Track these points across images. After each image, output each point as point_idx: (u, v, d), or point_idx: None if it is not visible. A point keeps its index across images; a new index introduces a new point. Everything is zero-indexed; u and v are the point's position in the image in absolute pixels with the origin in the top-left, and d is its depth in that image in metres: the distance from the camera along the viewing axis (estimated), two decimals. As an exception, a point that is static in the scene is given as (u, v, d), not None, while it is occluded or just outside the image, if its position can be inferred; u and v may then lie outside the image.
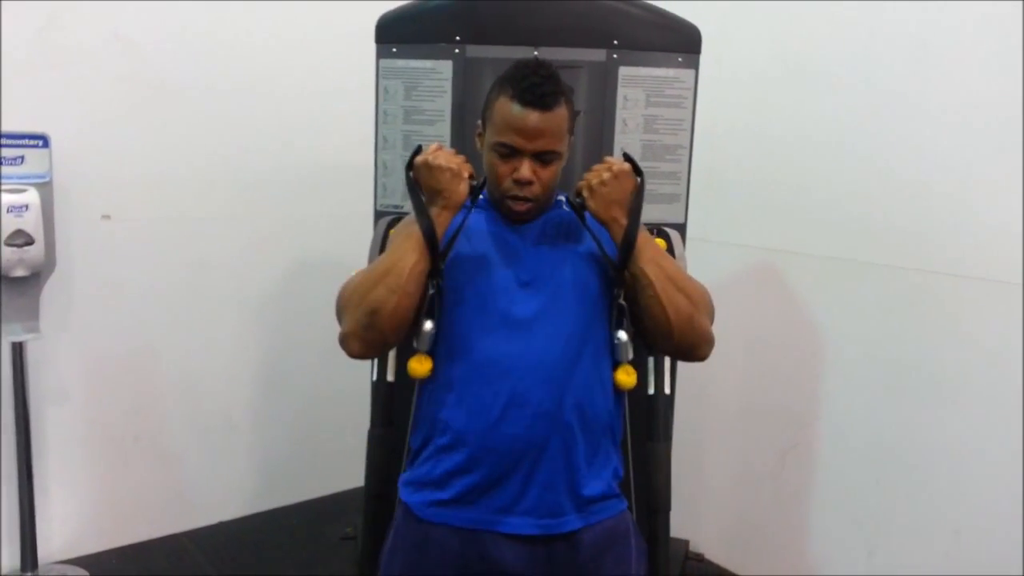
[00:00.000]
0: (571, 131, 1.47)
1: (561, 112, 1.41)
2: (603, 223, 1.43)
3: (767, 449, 2.76)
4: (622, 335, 1.46)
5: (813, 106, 2.54)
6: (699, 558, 2.94)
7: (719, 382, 2.85)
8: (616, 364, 1.48)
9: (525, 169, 1.40)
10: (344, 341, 1.42)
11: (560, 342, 1.41)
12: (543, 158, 1.41)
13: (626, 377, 1.47)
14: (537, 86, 1.37)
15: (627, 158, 1.45)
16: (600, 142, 1.99)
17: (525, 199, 1.44)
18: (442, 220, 1.40)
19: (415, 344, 1.42)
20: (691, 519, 2.93)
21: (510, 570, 1.40)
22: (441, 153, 1.41)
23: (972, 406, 2.21)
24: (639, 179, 1.44)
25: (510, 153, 1.41)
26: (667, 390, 1.89)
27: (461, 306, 1.43)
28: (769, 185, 2.70)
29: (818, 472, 2.60)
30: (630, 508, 1.57)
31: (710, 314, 1.47)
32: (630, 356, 1.47)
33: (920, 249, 2.30)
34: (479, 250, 1.46)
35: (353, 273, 1.49)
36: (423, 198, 1.42)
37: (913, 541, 2.35)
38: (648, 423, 1.85)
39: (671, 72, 1.99)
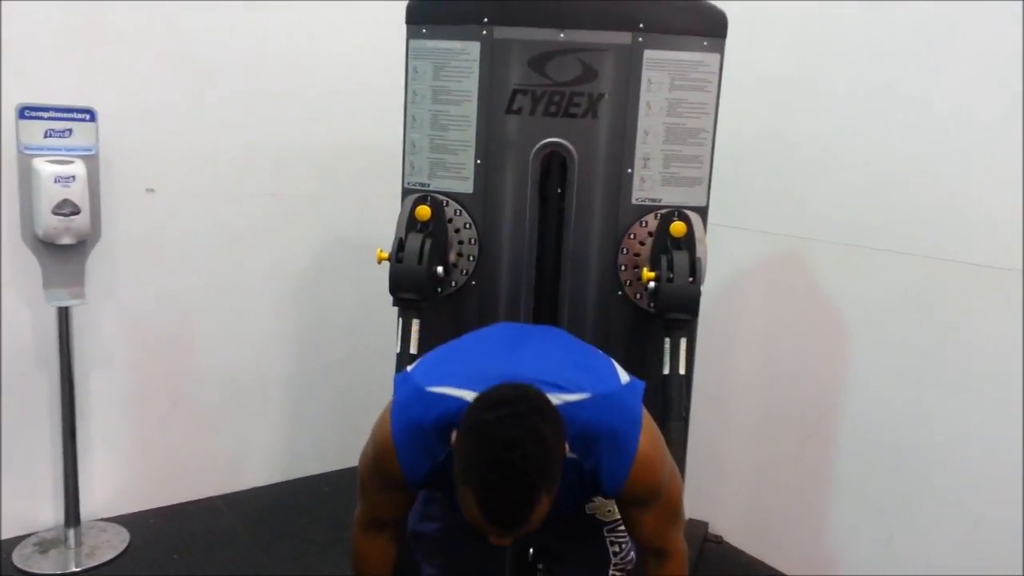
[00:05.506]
0: (557, 481, 1.26)
1: (539, 512, 1.22)
2: None
3: (788, 434, 2.76)
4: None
5: (833, 98, 2.57)
6: (718, 540, 2.96)
7: (740, 367, 2.87)
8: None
9: (506, 540, 1.28)
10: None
11: None
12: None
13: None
14: (506, 509, 1.19)
15: None
16: (624, 125, 2.02)
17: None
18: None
19: None
20: (711, 502, 2.96)
21: None
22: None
23: (989, 394, 2.21)
24: None
25: None
26: (682, 371, 1.92)
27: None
28: (789, 172, 2.71)
29: (838, 458, 2.60)
30: None
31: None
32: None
33: (931, 237, 2.32)
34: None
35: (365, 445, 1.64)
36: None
37: (932, 528, 2.35)
38: (663, 403, 1.88)
39: (696, 56, 1.99)
